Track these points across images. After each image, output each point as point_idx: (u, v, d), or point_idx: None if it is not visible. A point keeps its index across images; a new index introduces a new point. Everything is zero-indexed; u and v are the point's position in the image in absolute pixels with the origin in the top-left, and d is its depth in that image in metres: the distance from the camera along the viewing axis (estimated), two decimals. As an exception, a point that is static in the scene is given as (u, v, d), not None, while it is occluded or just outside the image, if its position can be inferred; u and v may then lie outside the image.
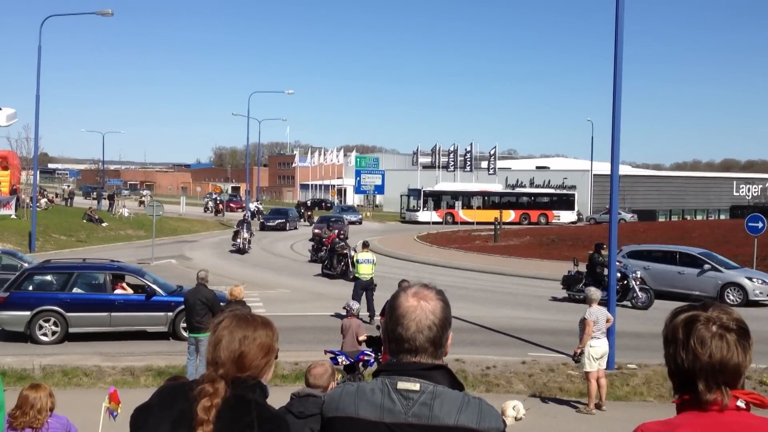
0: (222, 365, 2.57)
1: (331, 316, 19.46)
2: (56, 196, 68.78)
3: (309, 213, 62.76)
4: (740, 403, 2.10)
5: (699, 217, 74.72)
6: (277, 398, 4.99)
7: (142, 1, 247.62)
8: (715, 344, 2.11)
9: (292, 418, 4.92)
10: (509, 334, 17.71)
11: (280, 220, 53.41)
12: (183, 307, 14.39)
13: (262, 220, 54.29)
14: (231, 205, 77.87)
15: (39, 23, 34.05)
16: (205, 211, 71.93)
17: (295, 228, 54.05)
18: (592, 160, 74.95)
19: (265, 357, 2.67)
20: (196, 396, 2.51)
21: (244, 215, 45.10)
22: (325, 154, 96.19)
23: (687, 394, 2.16)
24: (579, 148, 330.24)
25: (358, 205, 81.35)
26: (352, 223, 58.38)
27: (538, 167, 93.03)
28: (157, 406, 2.59)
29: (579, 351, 11.86)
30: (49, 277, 17.15)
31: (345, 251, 27.67)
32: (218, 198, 78.00)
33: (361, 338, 12.45)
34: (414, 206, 64.53)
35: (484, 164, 78.90)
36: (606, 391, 12.11)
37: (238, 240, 37.30)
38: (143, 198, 76.44)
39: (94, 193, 68.55)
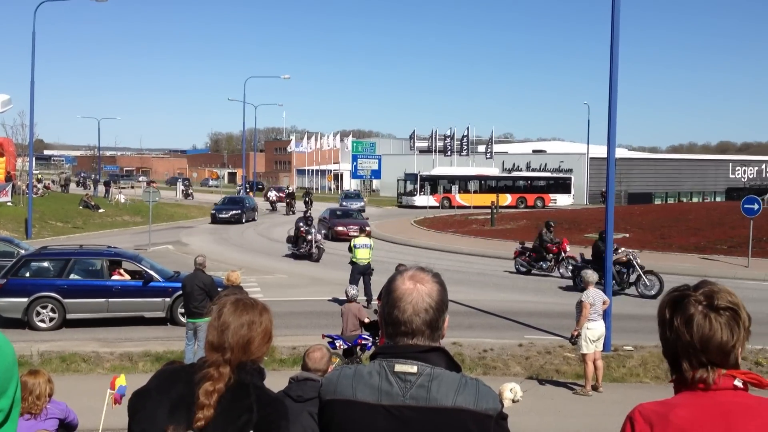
0: (230, 350, 2.57)
1: (328, 300, 19.50)
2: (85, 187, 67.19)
3: (289, 201, 55.50)
4: (737, 383, 2.10)
5: (695, 200, 74.87)
6: (276, 382, 5.00)
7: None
8: (696, 323, 2.11)
9: (291, 401, 4.94)
10: (506, 317, 17.76)
11: (234, 212, 45.51)
12: (180, 292, 14.40)
13: (213, 212, 46.40)
14: (280, 194, 64.84)
15: (33, 9, 33.72)
16: (271, 208, 59.58)
17: (254, 219, 47.22)
18: (588, 144, 74.98)
19: (267, 343, 2.69)
20: (199, 380, 2.52)
21: (306, 211, 33.29)
22: (321, 139, 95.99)
23: (679, 374, 2.17)
24: (575, 131, 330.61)
25: (354, 190, 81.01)
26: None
27: (534, 151, 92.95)
28: (155, 390, 2.59)
29: (576, 333, 11.92)
30: (46, 264, 17.14)
31: (627, 258, 20.83)
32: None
33: (367, 320, 12.51)
34: (411, 191, 64.44)
35: (481, 148, 78.80)
36: (602, 372, 12.17)
37: (307, 243, 28.24)
38: (183, 186, 72.35)
39: (129, 183, 61.48)
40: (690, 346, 2.11)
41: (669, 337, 2.16)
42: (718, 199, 73.35)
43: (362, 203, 59.22)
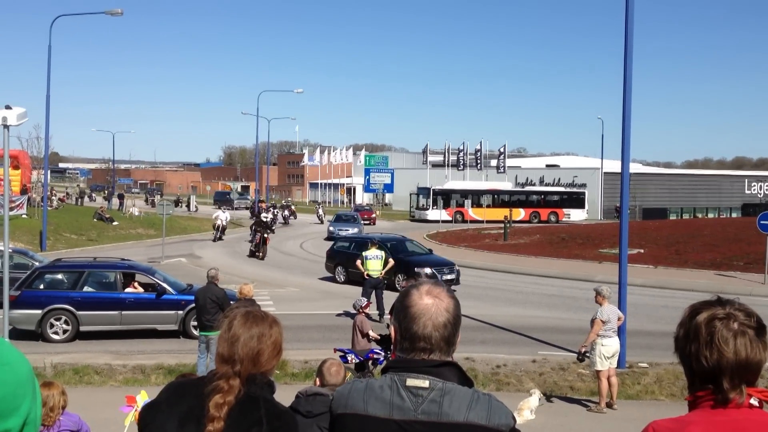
0: (240, 362, 2.57)
1: (338, 315, 19.46)
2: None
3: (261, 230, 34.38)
4: (753, 401, 2.09)
5: (711, 215, 74.40)
6: (288, 396, 4.98)
7: (151, 1, 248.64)
8: (739, 342, 2.10)
9: (301, 417, 4.91)
10: (519, 333, 17.66)
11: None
12: (193, 305, 14.43)
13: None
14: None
15: (49, 23, 34.19)
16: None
17: None
18: (602, 158, 74.76)
19: (277, 356, 2.68)
20: (209, 392, 2.51)
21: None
22: (334, 153, 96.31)
23: (702, 392, 2.14)
24: (589, 146, 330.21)
25: (368, 204, 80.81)
26: (337, 238, 34.54)
27: (548, 165, 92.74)
28: (165, 403, 2.59)
29: (584, 350, 11.82)
30: (60, 276, 17.22)
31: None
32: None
33: (372, 335, 12.45)
34: (423, 205, 64.36)
35: (494, 162, 78.74)
36: (617, 389, 12.06)
37: None
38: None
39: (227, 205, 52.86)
40: (735, 364, 2.09)
41: (709, 356, 2.12)
42: (733, 215, 72.87)
43: (358, 229, 43.06)
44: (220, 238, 42.04)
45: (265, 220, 38.51)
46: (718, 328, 2.12)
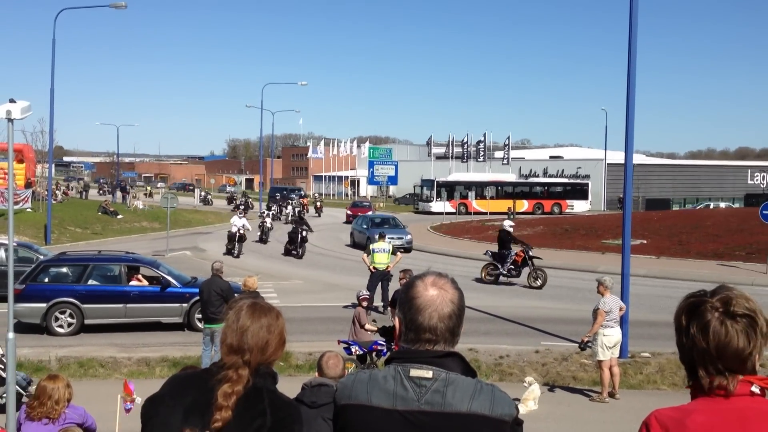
0: (249, 352, 2.59)
1: (345, 307, 19.48)
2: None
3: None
4: (755, 389, 2.09)
5: (713, 206, 74.24)
6: (292, 388, 5.01)
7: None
8: (713, 330, 2.10)
9: (305, 408, 4.94)
10: (522, 324, 17.68)
11: None
12: (198, 298, 14.47)
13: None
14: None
15: (53, 17, 34.07)
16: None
17: None
18: (606, 150, 74.66)
19: (282, 346, 2.70)
20: (218, 382, 2.53)
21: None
22: (338, 146, 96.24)
23: (696, 380, 2.15)
24: (593, 137, 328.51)
25: (371, 197, 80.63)
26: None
27: (551, 157, 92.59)
28: (169, 396, 2.60)
29: (586, 339, 11.87)
30: (64, 270, 17.26)
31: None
32: None
33: (368, 327, 12.50)
34: (427, 197, 64.39)
35: (498, 154, 78.71)
36: (619, 379, 12.09)
37: None
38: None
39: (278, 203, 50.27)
40: (706, 353, 2.09)
41: (685, 343, 2.15)
42: (736, 205, 72.71)
43: (410, 236, 35.23)
44: (238, 254, 31.23)
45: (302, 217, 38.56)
46: (696, 315, 2.13)
